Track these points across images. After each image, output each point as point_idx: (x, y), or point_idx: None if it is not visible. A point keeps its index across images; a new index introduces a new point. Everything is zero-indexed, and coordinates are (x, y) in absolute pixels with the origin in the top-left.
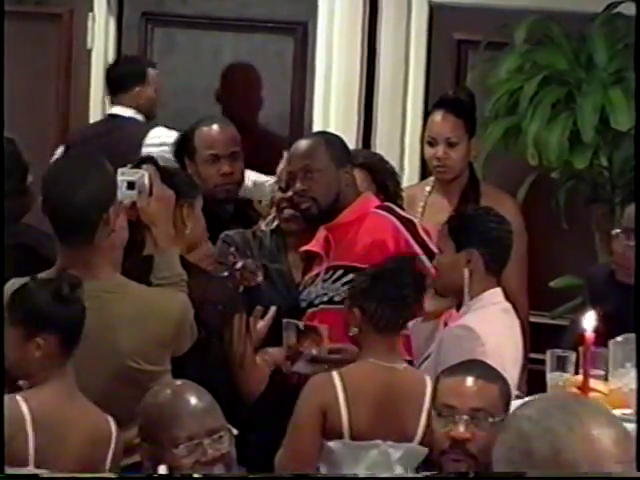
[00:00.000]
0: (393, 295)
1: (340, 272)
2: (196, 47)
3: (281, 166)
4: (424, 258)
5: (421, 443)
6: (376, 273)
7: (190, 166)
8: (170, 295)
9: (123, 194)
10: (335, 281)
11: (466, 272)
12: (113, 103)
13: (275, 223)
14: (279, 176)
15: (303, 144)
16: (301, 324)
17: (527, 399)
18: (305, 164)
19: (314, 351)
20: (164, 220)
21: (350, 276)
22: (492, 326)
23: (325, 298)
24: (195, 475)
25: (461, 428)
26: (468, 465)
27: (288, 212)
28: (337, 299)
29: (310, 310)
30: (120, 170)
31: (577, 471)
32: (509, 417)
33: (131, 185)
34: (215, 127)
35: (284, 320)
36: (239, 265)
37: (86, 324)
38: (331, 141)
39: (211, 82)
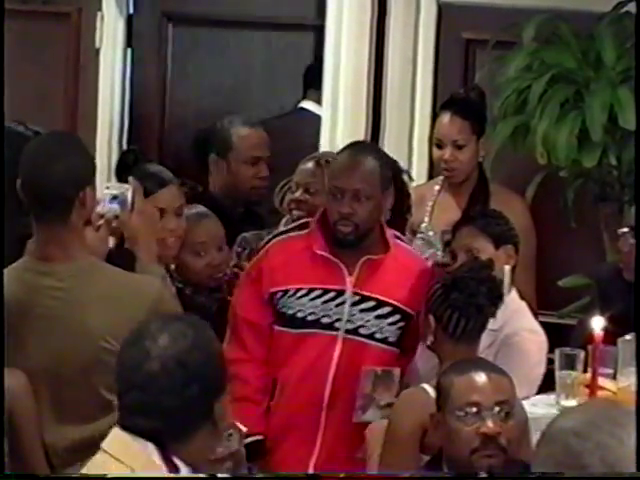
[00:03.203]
0: (467, 304)
1: (372, 303)
2: (217, 46)
3: (302, 169)
4: None
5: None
6: (450, 281)
7: (216, 164)
8: (146, 279)
9: (106, 207)
10: (364, 311)
11: (507, 268)
12: (305, 98)
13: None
14: (298, 180)
15: (358, 164)
16: (379, 370)
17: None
18: (357, 188)
19: (387, 398)
20: (146, 235)
21: (386, 312)
22: (537, 325)
23: (350, 326)
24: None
25: (490, 423)
26: (499, 459)
27: (297, 213)
28: (364, 332)
29: (331, 333)
30: (106, 184)
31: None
32: (551, 430)
33: (114, 198)
34: (257, 129)
35: (364, 368)
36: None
37: (59, 304)
38: (383, 164)
39: (232, 81)
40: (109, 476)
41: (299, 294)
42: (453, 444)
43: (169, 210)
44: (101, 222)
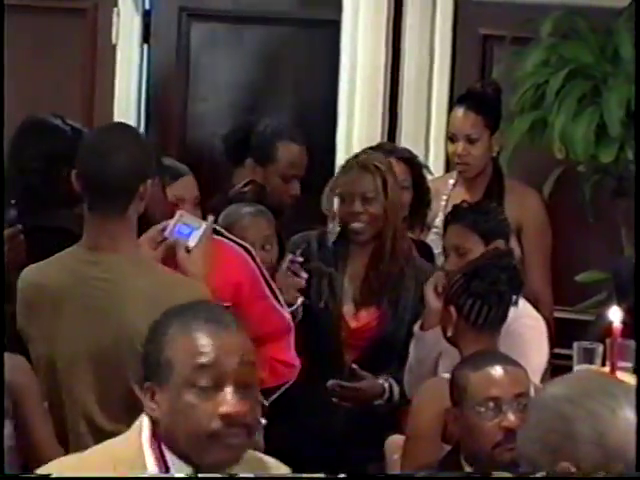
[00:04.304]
0: (488, 292)
1: None
2: (234, 42)
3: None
4: None
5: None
6: (470, 270)
7: (253, 169)
8: (190, 282)
9: (175, 234)
10: None
11: None
12: None
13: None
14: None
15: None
16: None
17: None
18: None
19: None
20: (194, 273)
21: None
22: (533, 309)
23: None
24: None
25: (512, 417)
26: None
27: (357, 225)
28: None
29: None
30: (180, 211)
31: (620, 455)
32: (542, 397)
33: (185, 228)
34: (301, 148)
35: None
36: (283, 267)
37: (102, 294)
38: None
39: (249, 76)
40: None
41: None
42: (474, 439)
43: (188, 199)
44: (163, 243)
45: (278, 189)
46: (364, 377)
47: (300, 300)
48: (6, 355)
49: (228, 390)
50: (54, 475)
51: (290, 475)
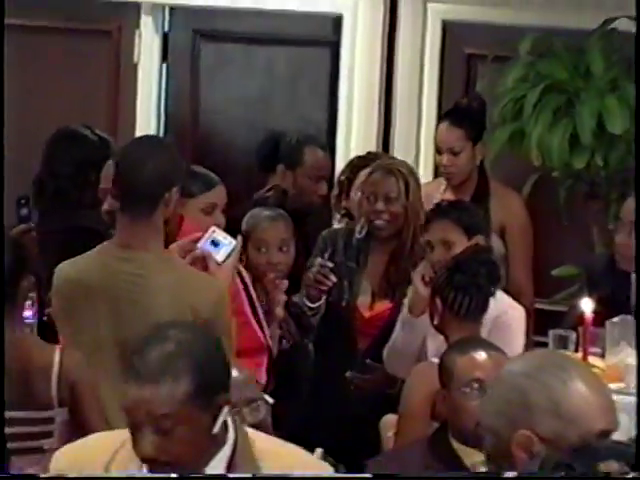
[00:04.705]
0: (469, 284)
1: None
2: (244, 60)
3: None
4: None
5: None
6: (453, 264)
7: (283, 174)
8: (212, 279)
9: (206, 247)
10: None
11: None
12: None
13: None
14: (370, 189)
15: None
16: None
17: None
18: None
19: None
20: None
21: None
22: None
23: None
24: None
25: None
26: None
27: (379, 223)
28: None
29: None
30: (213, 227)
31: (574, 422)
32: (502, 374)
33: (216, 244)
34: (326, 152)
35: None
36: (314, 270)
37: (136, 289)
38: None
39: (257, 92)
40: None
41: None
42: (460, 418)
43: (219, 206)
44: (192, 252)
45: (307, 190)
46: (377, 368)
47: (324, 299)
48: (66, 351)
49: (144, 434)
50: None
51: (290, 475)
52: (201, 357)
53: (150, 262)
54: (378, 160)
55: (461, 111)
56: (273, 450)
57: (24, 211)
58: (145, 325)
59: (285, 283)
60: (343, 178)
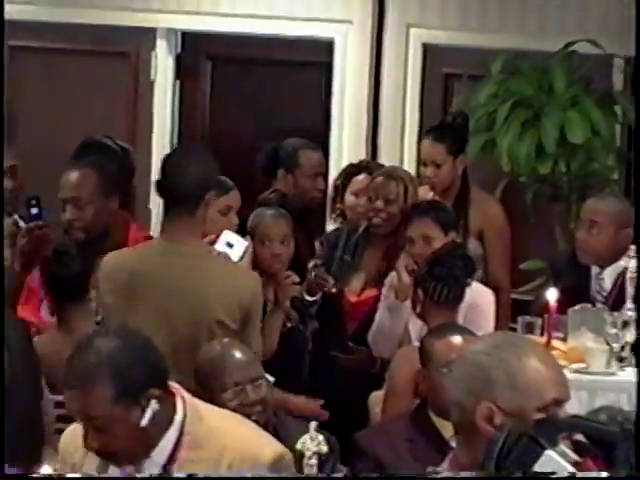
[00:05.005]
0: (447, 276)
1: None
2: (249, 80)
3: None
4: None
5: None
6: (432, 259)
7: (284, 177)
8: (249, 272)
9: (223, 249)
10: None
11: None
12: None
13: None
14: (372, 190)
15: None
16: None
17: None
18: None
19: None
20: None
21: None
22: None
23: None
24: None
25: None
26: None
27: (376, 220)
28: None
29: None
30: (226, 230)
31: (530, 393)
32: (465, 354)
33: (230, 245)
34: (317, 151)
35: None
36: (312, 275)
37: (184, 278)
38: None
39: (261, 109)
40: None
41: None
42: (438, 395)
43: (234, 209)
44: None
45: (307, 187)
46: (360, 350)
47: (320, 294)
48: None
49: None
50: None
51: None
52: (121, 364)
53: (196, 255)
54: (369, 167)
55: (443, 127)
56: (220, 427)
57: (34, 210)
58: (194, 311)
59: (295, 278)
60: (338, 183)
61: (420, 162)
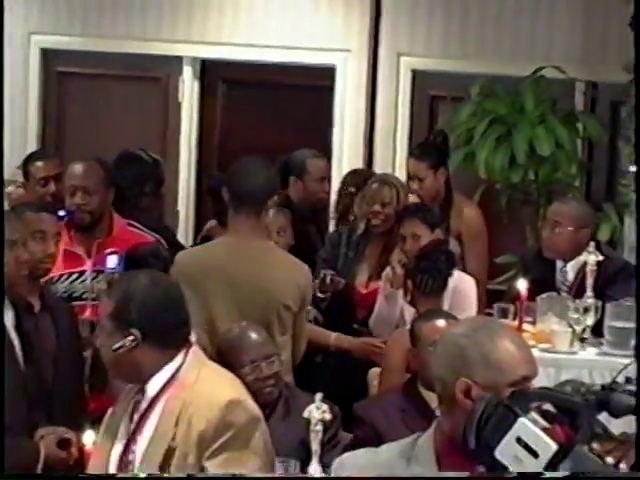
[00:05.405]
0: (432, 269)
1: None
2: (258, 101)
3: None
4: None
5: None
6: (419, 254)
7: (295, 183)
8: (302, 263)
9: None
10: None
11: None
12: None
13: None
14: (369, 195)
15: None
16: None
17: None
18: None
19: None
20: None
21: None
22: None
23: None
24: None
25: None
26: None
27: (375, 221)
28: None
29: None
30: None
31: (502, 370)
32: (446, 335)
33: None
34: (322, 159)
35: None
36: (328, 279)
37: (254, 271)
38: None
39: (270, 127)
40: None
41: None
42: (425, 370)
43: None
44: None
45: (315, 190)
46: (363, 332)
47: (329, 293)
48: None
49: None
50: None
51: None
52: (128, 298)
53: (262, 249)
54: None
55: (424, 146)
56: (208, 378)
57: (62, 212)
58: (264, 298)
59: None
60: (353, 190)
61: (407, 177)
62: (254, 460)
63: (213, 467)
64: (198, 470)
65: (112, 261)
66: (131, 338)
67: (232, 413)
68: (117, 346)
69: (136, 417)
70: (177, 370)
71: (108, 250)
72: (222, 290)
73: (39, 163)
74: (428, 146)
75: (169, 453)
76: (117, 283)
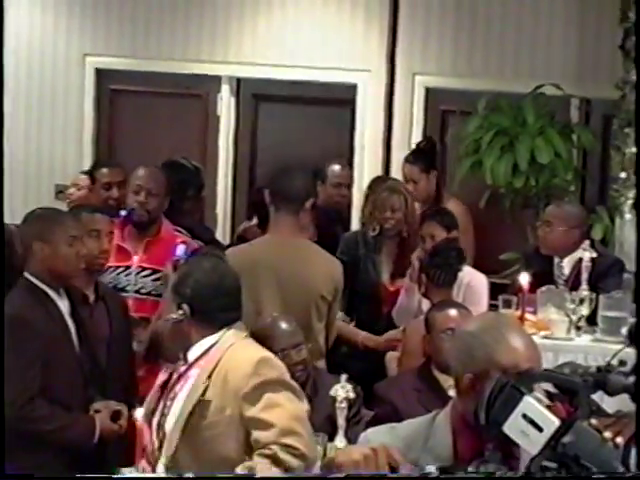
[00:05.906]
0: (443, 264)
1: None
2: (288, 115)
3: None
4: None
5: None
6: (432, 251)
7: (320, 187)
8: (335, 259)
9: None
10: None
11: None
12: None
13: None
14: (382, 204)
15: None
16: None
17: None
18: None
19: None
20: None
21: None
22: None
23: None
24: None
25: None
26: None
27: (387, 226)
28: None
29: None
30: None
31: (503, 366)
32: (458, 331)
33: None
34: (342, 167)
35: None
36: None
37: (295, 266)
38: None
39: (295, 140)
40: None
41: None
42: (439, 355)
43: None
44: None
45: (331, 193)
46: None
47: None
48: None
49: None
50: None
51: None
52: (187, 275)
53: (301, 246)
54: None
55: (415, 153)
56: (242, 345)
57: (124, 212)
58: (304, 290)
59: None
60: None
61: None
62: (296, 402)
63: (257, 411)
64: (238, 423)
65: (180, 250)
66: (181, 312)
67: (264, 367)
68: (168, 317)
69: (173, 379)
70: (216, 342)
71: (179, 240)
72: (269, 283)
73: (104, 170)
74: (419, 152)
75: (200, 407)
76: (186, 263)
